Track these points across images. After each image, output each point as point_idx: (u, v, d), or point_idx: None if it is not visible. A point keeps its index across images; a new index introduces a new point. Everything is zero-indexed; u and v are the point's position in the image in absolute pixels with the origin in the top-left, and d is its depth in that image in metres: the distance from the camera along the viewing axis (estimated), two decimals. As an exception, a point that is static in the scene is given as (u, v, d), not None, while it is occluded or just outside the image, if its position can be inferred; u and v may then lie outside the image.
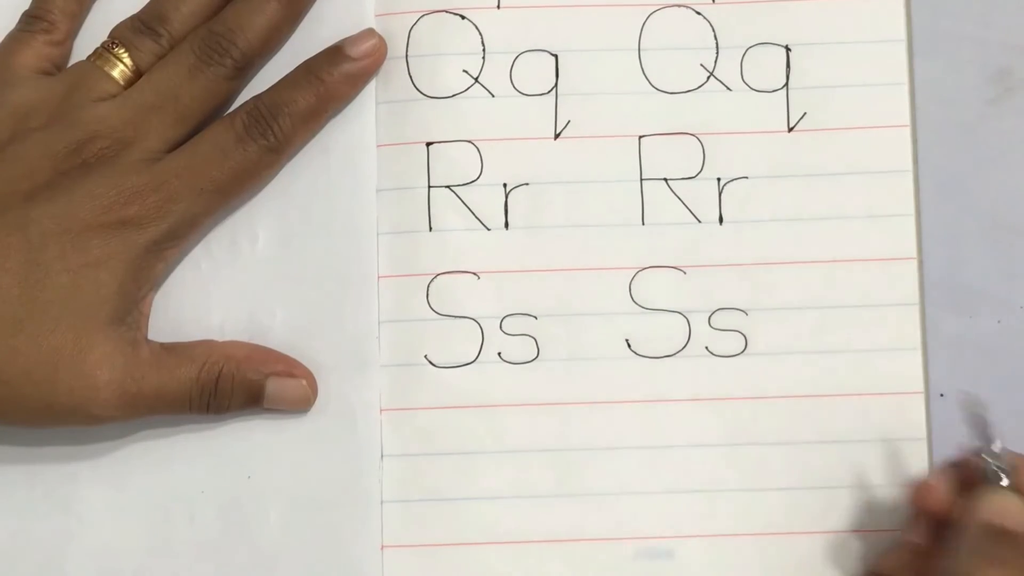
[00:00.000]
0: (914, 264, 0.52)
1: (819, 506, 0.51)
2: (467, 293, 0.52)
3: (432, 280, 0.52)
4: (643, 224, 0.52)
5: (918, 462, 0.51)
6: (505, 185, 0.52)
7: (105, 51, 0.51)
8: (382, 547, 0.51)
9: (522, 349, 0.52)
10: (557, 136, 0.52)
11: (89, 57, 0.51)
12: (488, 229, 0.52)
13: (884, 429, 0.51)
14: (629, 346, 0.52)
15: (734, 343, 0.52)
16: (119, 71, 0.50)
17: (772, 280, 0.52)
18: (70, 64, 0.52)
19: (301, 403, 0.51)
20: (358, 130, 0.52)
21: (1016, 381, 0.52)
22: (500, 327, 0.52)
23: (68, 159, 0.49)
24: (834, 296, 0.52)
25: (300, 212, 0.52)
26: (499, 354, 0.52)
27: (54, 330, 0.47)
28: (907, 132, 0.52)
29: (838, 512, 0.51)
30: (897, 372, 0.52)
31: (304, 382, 0.51)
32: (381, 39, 0.52)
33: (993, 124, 0.53)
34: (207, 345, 0.50)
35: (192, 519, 0.51)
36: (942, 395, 0.51)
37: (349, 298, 0.52)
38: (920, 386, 0.52)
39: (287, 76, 0.51)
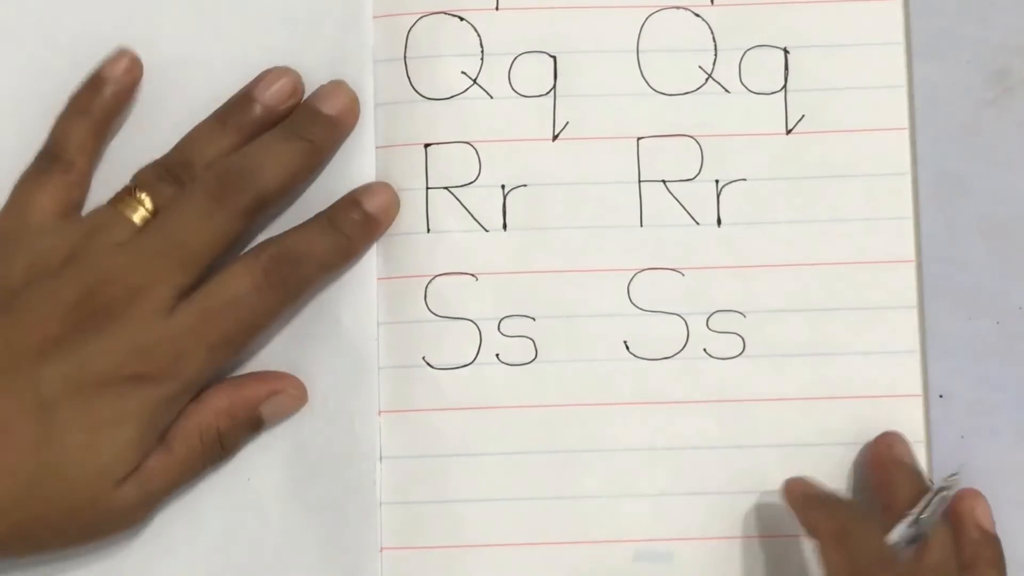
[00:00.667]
0: (912, 267, 0.52)
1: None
2: (465, 294, 0.52)
3: (430, 282, 0.52)
4: (641, 226, 0.52)
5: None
6: (503, 186, 0.52)
7: (127, 195, 0.49)
8: (381, 549, 0.51)
9: (520, 350, 0.52)
10: (555, 137, 0.52)
11: (110, 201, 0.50)
12: (486, 230, 0.52)
13: (882, 432, 0.51)
14: (627, 348, 0.52)
15: (732, 345, 0.52)
16: (139, 215, 0.49)
17: (770, 282, 0.52)
18: (89, 202, 0.51)
19: (298, 406, 0.51)
20: (356, 132, 0.52)
21: (1016, 381, 0.52)
22: (498, 328, 0.52)
23: (78, 308, 0.47)
24: (832, 299, 0.52)
25: (298, 214, 0.52)
26: (497, 355, 0.52)
27: (72, 490, 0.47)
28: (905, 135, 0.52)
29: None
30: (895, 375, 0.52)
31: (292, 391, 0.51)
32: (395, 195, 0.52)
33: (992, 124, 0.53)
34: (193, 415, 0.49)
35: (192, 521, 0.51)
36: (941, 396, 0.52)
37: (347, 300, 0.52)
38: (918, 389, 0.52)
39: (309, 223, 0.50)
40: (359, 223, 0.51)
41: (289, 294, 0.49)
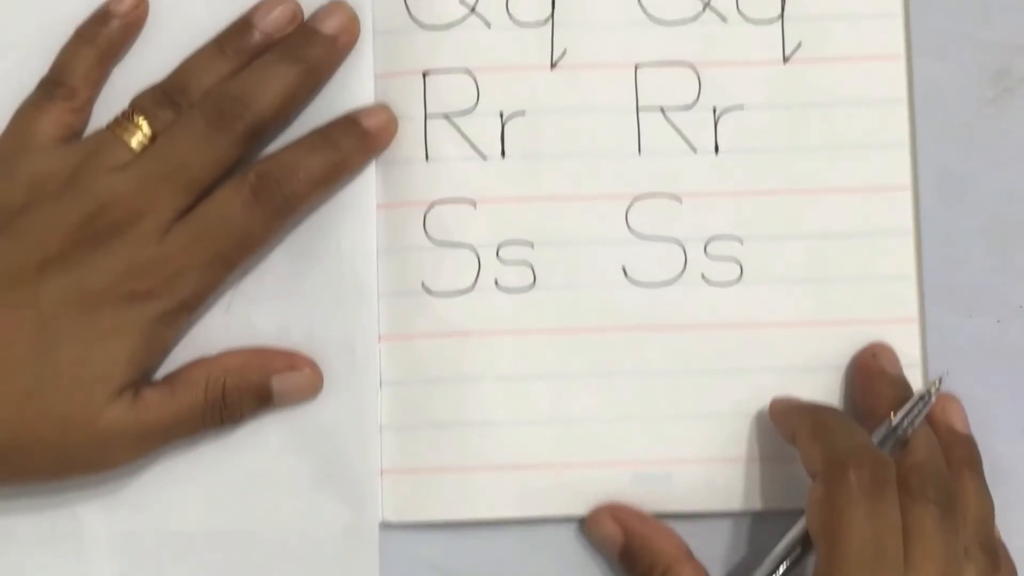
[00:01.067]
0: (909, 194, 0.52)
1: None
2: (464, 221, 0.52)
3: (429, 209, 0.52)
4: (639, 153, 0.52)
5: (913, 388, 0.52)
6: (502, 114, 0.52)
7: (124, 120, 0.50)
8: (381, 472, 0.51)
9: (519, 277, 0.52)
10: (553, 66, 0.52)
11: (108, 125, 0.50)
12: (485, 158, 0.52)
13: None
14: (625, 274, 0.52)
15: (729, 271, 0.52)
16: (137, 140, 0.49)
17: (767, 209, 0.52)
18: (89, 128, 0.52)
19: (309, 392, 0.51)
20: (354, 60, 0.52)
21: (1016, 380, 0.52)
22: (497, 255, 0.52)
23: (79, 230, 0.48)
24: (829, 225, 0.52)
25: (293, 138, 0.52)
26: (496, 282, 0.52)
27: (66, 400, 0.47)
28: (902, 63, 0.53)
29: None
30: (891, 299, 0.52)
31: (307, 370, 0.51)
32: (393, 115, 0.52)
33: (992, 124, 0.53)
34: (203, 364, 0.50)
35: (189, 446, 0.51)
36: None
37: (346, 227, 0.52)
38: (914, 313, 0.52)
39: (300, 140, 0.50)
40: (355, 139, 0.51)
41: (280, 211, 0.49)
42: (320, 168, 0.50)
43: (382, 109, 0.52)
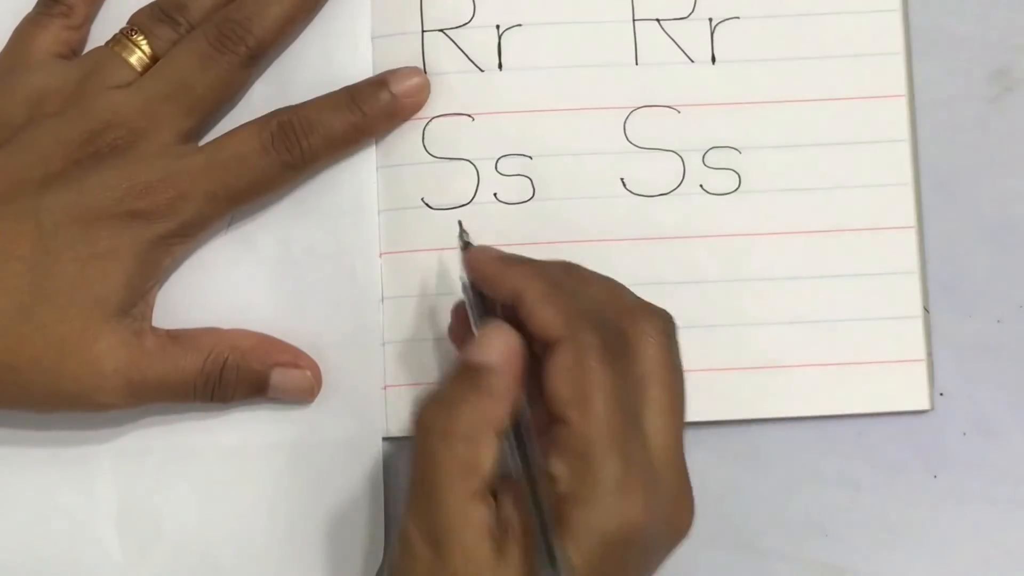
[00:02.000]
0: (904, 101, 0.53)
1: (813, 339, 0.52)
2: (462, 135, 0.52)
3: (427, 123, 0.52)
4: (636, 64, 0.52)
5: (910, 296, 0.52)
6: (498, 27, 0.52)
7: (123, 37, 0.50)
8: (384, 387, 0.52)
9: (518, 189, 0.52)
10: (549, -23, 0.53)
11: (107, 43, 0.50)
12: (482, 71, 0.52)
13: (876, 263, 0.52)
14: (624, 185, 0.52)
15: (728, 181, 0.52)
16: (136, 58, 0.50)
17: (765, 119, 0.52)
18: (87, 49, 0.52)
19: (306, 394, 0.51)
20: (350, -24, 0.53)
21: (1016, 380, 0.52)
22: (495, 168, 0.52)
23: (82, 148, 0.48)
24: (826, 132, 0.52)
25: (294, 59, 0.52)
26: (495, 195, 0.52)
27: (61, 319, 0.47)
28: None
29: (832, 344, 0.52)
30: (889, 207, 0.52)
31: (308, 373, 0.51)
32: (426, 80, 0.52)
33: (992, 124, 0.53)
34: (213, 334, 0.50)
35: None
36: (941, 394, 0.52)
37: (346, 144, 0.52)
38: (912, 220, 0.52)
39: (327, 96, 0.50)
40: (381, 103, 0.51)
41: (295, 162, 0.50)
42: (341, 128, 0.50)
43: (415, 72, 0.52)
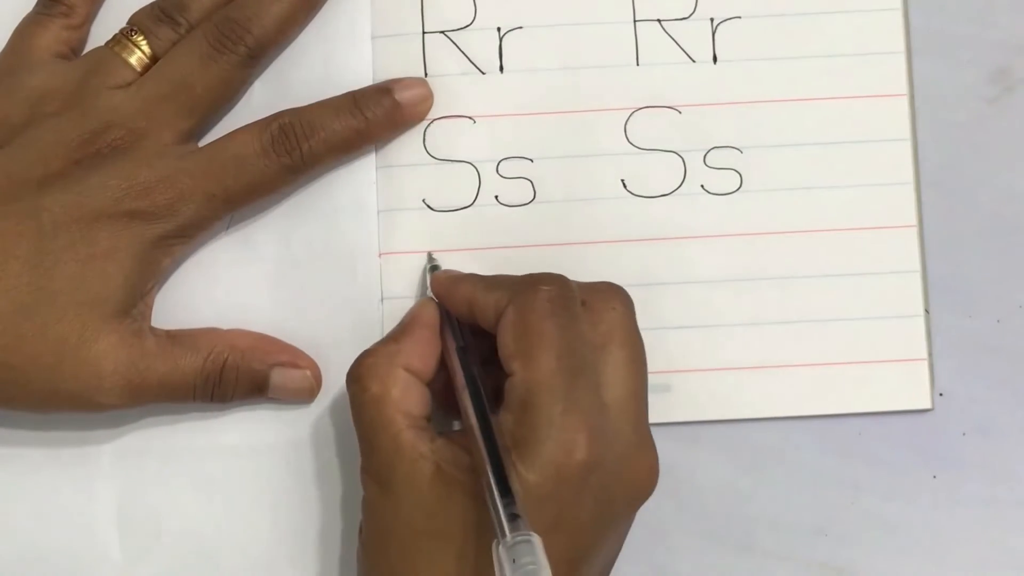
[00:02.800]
0: (905, 100, 0.53)
1: (814, 338, 0.52)
2: (463, 137, 0.52)
3: (428, 125, 0.52)
4: (637, 65, 0.52)
5: (911, 295, 0.52)
6: (499, 29, 0.53)
7: (123, 37, 0.50)
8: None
9: (519, 192, 0.52)
10: (550, -21, 0.53)
11: (107, 43, 0.50)
12: (483, 73, 0.52)
13: (877, 262, 0.52)
14: (625, 186, 0.52)
15: (729, 181, 0.52)
16: (136, 58, 0.50)
17: (766, 118, 0.52)
18: (87, 49, 0.52)
19: (305, 394, 0.51)
20: (352, -23, 0.53)
21: (1016, 380, 0.53)
22: (496, 170, 0.52)
23: (82, 148, 0.48)
24: (827, 132, 0.52)
25: (294, 60, 0.52)
26: (496, 197, 0.52)
27: (60, 319, 0.47)
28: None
29: (833, 344, 0.52)
30: (890, 206, 0.52)
31: (308, 373, 0.51)
32: (430, 91, 0.52)
33: (992, 124, 0.53)
34: (212, 334, 0.50)
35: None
36: (941, 394, 0.52)
37: (346, 144, 0.52)
38: (913, 219, 0.52)
39: (329, 100, 0.51)
40: (384, 110, 0.51)
41: (295, 165, 0.50)
42: (342, 133, 0.50)
43: (419, 83, 0.52)
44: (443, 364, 0.48)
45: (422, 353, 0.47)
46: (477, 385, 0.46)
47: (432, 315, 0.49)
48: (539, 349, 0.44)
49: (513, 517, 0.41)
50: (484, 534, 0.43)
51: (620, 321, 0.46)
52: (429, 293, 0.50)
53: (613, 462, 0.44)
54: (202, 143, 0.51)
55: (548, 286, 0.46)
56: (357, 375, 0.47)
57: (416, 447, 0.45)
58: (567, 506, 0.43)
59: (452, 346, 0.47)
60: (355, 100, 0.50)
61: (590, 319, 0.46)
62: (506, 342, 0.45)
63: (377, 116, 0.50)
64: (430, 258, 0.51)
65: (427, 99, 0.52)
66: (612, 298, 0.47)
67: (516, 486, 0.42)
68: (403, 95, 0.51)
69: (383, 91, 0.51)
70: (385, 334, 0.51)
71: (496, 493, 0.42)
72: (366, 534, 0.46)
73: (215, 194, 0.49)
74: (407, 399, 0.46)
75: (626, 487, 0.45)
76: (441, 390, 0.48)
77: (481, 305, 0.47)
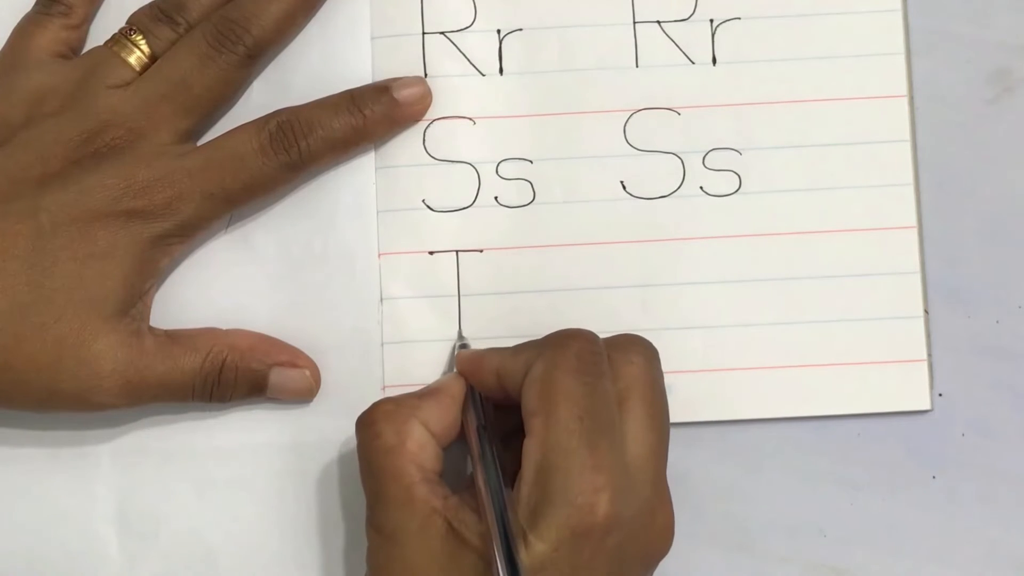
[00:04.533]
0: (905, 100, 0.53)
1: (814, 339, 0.52)
2: (463, 138, 0.52)
3: (428, 126, 0.52)
4: (637, 66, 0.52)
5: (911, 296, 0.52)
6: (499, 31, 0.53)
7: (122, 37, 0.50)
8: (383, 388, 0.52)
9: (518, 193, 0.52)
10: (550, -19, 0.53)
11: (106, 43, 0.50)
12: (483, 75, 0.52)
13: (877, 263, 0.52)
14: (624, 187, 0.52)
15: (728, 183, 0.52)
16: (135, 58, 0.50)
17: (765, 120, 0.52)
18: (86, 48, 0.52)
19: (304, 393, 0.51)
20: (351, -20, 0.53)
21: (1015, 381, 0.52)
22: (496, 171, 0.52)
23: (80, 148, 0.48)
24: (827, 134, 0.52)
25: (294, 60, 0.52)
26: (496, 198, 0.52)
27: (59, 319, 0.47)
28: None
29: (832, 345, 0.52)
30: (890, 207, 0.52)
31: (307, 372, 0.51)
32: (428, 89, 0.52)
33: (992, 124, 0.53)
34: (211, 334, 0.50)
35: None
36: (941, 395, 0.52)
37: (346, 145, 0.52)
38: (913, 222, 0.52)
39: (328, 98, 0.51)
40: (382, 107, 0.51)
41: (293, 163, 0.50)
42: (340, 131, 0.50)
43: (418, 81, 0.52)
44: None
45: (441, 417, 0.47)
46: (494, 461, 0.45)
47: (458, 389, 0.48)
48: (562, 407, 0.44)
49: None
50: None
51: (639, 375, 0.46)
52: (455, 371, 0.49)
53: (630, 521, 0.44)
54: (201, 143, 0.51)
55: (577, 343, 0.45)
56: (371, 420, 0.46)
57: (429, 501, 0.44)
58: (580, 569, 0.43)
59: (473, 423, 0.47)
60: (353, 98, 0.50)
61: (612, 374, 0.45)
62: (529, 399, 0.45)
63: (375, 114, 0.50)
64: (460, 337, 0.51)
65: (425, 97, 0.52)
66: (631, 350, 0.46)
67: (523, 560, 0.42)
68: (401, 93, 0.51)
69: (381, 89, 0.51)
70: (384, 335, 0.51)
71: (503, 570, 0.42)
72: None
73: (213, 193, 0.49)
74: (422, 453, 0.45)
75: (642, 547, 0.45)
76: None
77: (509, 370, 0.46)
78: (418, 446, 0.45)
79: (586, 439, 0.43)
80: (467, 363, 0.49)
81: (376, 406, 0.46)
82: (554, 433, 0.44)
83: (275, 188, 0.50)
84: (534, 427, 0.44)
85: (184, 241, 0.49)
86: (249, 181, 0.49)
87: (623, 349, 0.46)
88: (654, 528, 0.45)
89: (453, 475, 0.48)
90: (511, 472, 0.45)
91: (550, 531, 0.43)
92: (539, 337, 0.47)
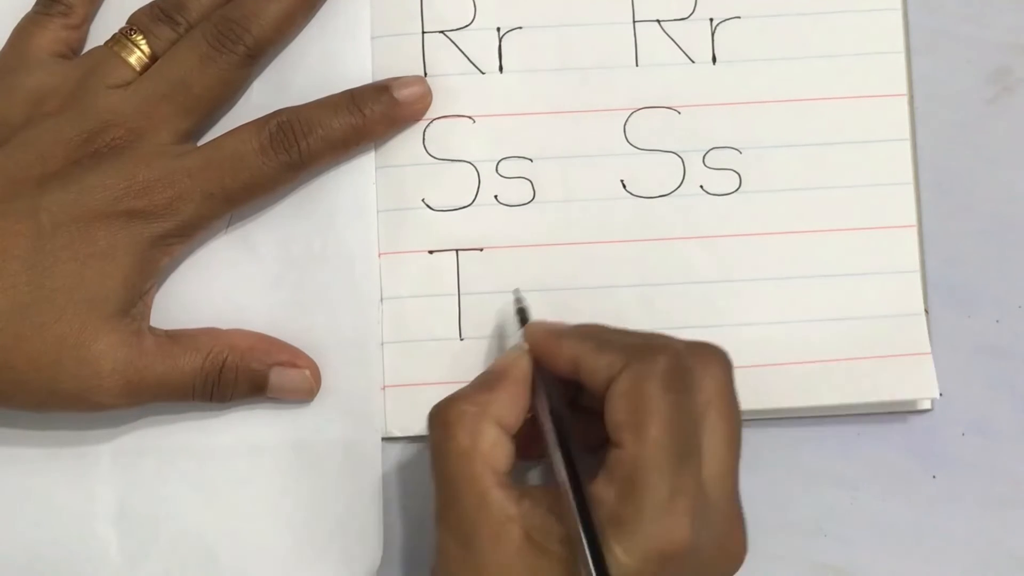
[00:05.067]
0: (904, 100, 0.53)
1: (814, 337, 0.52)
2: (463, 137, 0.52)
3: (428, 125, 0.52)
4: (637, 65, 0.53)
5: (911, 294, 0.52)
6: (499, 29, 0.53)
7: (123, 37, 0.50)
8: (383, 387, 0.52)
9: (518, 191, 0.52)
10: (549, -21, 0.53)
11: (106, 43, 0.50)
12: (483, 73, 0.52)
13: (878, 262, 0.52)
14: (624, 186, 0.52)
15: (728, 181, 0.52)
16: (136, 57, 0.50)
17: (765, 119, 0.52)
18: (87, 48, 0.52)
19: (304, 393, 0.51)
20: (350, -18, 0.53)
21: (1015, 380, 0.53)
22: (496, 170, 0.52)
23: (81, 147, 0.48)
24: (827, 133, 0.52)
25: (294, 59, 0.52)
26: (496, 197, 0.52)
27: (59, 319, 0.47)
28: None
29: (832, 342, 0.52)
30: (889, 206, 0.52)
31: (307, 372, 0.51)
32: (428, 89, 0.52)
33: (992, 124, 0.53)
34: (211, 334, 0.50)
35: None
36: (941, 394, 0.52)
37: (345, 144, 0.52)
38: (912, 219, 0.52)
39: (327, 98, 0.51)
40: (382, 107, 0.51)
41: (293, 162, 0.49)
42: (340, 130, 0.50)
43: (418, 81, 0.52)
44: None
45: (513, 408, 0.46)
46: (571, 454, 0.44)
47: (525, 370, 0.47)
48: (652, 425, 0.43)
49: None
50: None
51: (719, 389, 0.45)
52: (520, 341, 0.48)
53: (708, 542, 0.44)
54: (201, 143, 0.51)
55: (665, 356, 0.44)
56: (445, 421, 0.45)
57: (504, 509, 0.44)
58: None
59: (544, 405, 0.46)
60: (353, 97, 0.50)
61: (693, 386, 0.45)
62: (617, 412, 0.44)
63: (375, 113, 0.50)
64: (518, 298, 0.50)
65: (425, 97, 0.52)
66: (711, 362, 0.45)
67: (614, 571, 0.42)
68: (401, 92, 0.51)
69: (381, 89, 0.51)
70: (384, 335, 0.51)
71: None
72: None
73: (213, 193, 0.49)
74: (495, 455, 0.45)
75: (718, 566, 0.45)
76: (521, 441, 0.46)
77: (590, 367, 0.45)
78: (491, 446, 0.45)
79: (675, 460, 0.43)
80: (540, 343, 0.47)
81: (448, 406, 0.45)
82: (644, 450, 0.43)
83: (275, 188, 0.50)
84: (624, 441, 0.44)
85: (184, 241, 0.49)
86: (249, 181, 0.49)
87: (703, 360, 0.45)
88: (730, 546, 0.45)
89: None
90: (586, 464, 0.44)
91: (637, 548, 0.42)
92: (616, 328, 0.47)
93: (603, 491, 0.43)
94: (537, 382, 0.47)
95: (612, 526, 0.43)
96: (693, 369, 0.45)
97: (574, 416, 0.46)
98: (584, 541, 0.42)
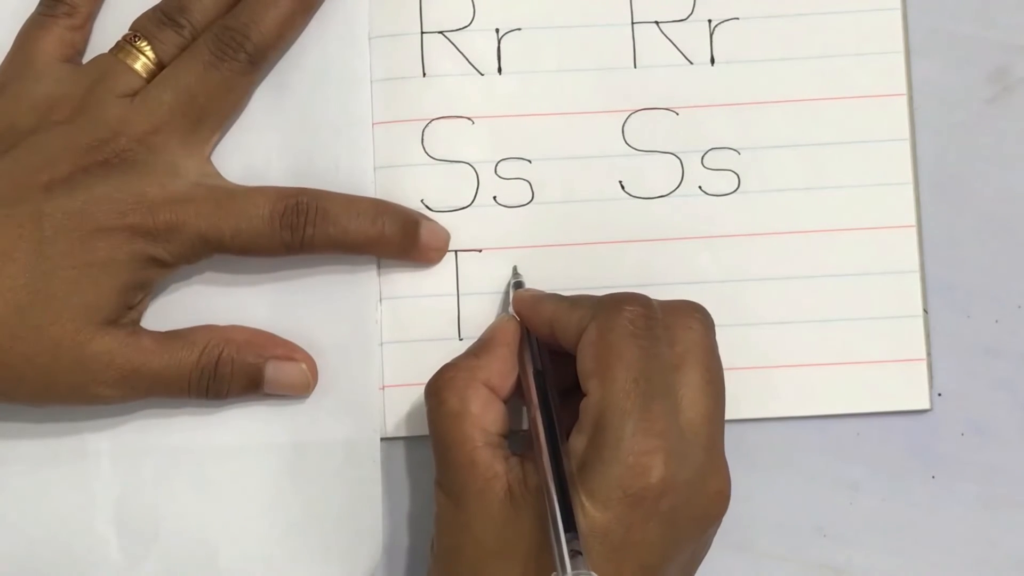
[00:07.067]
0: (904, 100, 0.53)
1: (813, 339, 0.52)
2: (462, 138, 0.52)
3: (427, 125, 0.52)
4: (635, 67, 0.53)
5: (910, 295, 0.52)
6: (498, 30, 0.53)
7: (127, 44, 0.50)
8: (382, 387, 0.52)
9: (517, 193, 0.52)
10: (548, -19, 0.53)
11: (111, 50, 0.50)
12: (482, 74, 0.53)
13: (876, 262, 0.52)
14: (623, 187, 0.52)
15: (727, 182, 0.52)
16: (141, 64, 0.50)
17: (764, 119, 0.52)
18: (90, 49, 0.52)
19: (301, 387, 0.51)
20: (349, -20, 0.53)
21: (1015, 380, 0.53)
22: (495, 171, 0.52)
23: (89, 154, 0.48)
24: (826, 133, 0.52)
25: (293, 60, 0.52)
26: (494, 198, 0.52)
27: (55, 322, 0.47)
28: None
29: (832, 344, 0.52)
30: (888, 207, 0.52)
31: (304, 366, 0.51)
32: (447, 245, 0.52)
33: (992, 124, 0.53)
34: (207, 330, 0.50)
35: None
36: (940, 395, 0.52)
37: (344, 145, 0.52)
38: (912, 220, 0.52)
39: (355, 198, 0.50)
40: (402, 235, 0.50)
41: (292, 245, 0.49)
42: (352, 235, 0.50)
43: (446, 235, 0.52)
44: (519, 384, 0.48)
45: (501, 370, 0.48)
46: (550, 409, 0.46)
47: (513, 333, 0.49)
48: (617, 369, 0.44)
49: (575, 554, 0.41)
50: (550, 557, 0.42)
51: (697, 340, 0.46)
52: (510, 309, 0.50)
53: (684, 485, 0.44)
54: (213, 152, 0.51)
55: (632, 306, 0.46)
56: (436, 388, 0.47)
57: (491, 466, 0.45)
58: (634, 529, 0.43)
59: (530, 369, 0.48)
60: (379, 211, 0.50)
61: (668, 338, 0.46)
62: (585, 360, 0.45)
63: (393, 237, 0.50)
64: (515, 273, 0.51)
65: (442, 252, 0.52)
66: (689, 317, 0.47)
67: (581, 519, 0.43)
68: (426, 236, 0.51)
69: (410, 220, 0.51)
70: (383, 335, 0.51)
71: (560, 526, 0.42)
72: (437, 550, 0.46)
73: (210, 239, 0.49)
74: (485, 416, 0.46)
75: (695, 510, 0.45)
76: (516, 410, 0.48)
77: (563, 324, 0.47)
78: (481, 408, 0.46)
79: (640, 402, 0.44)
80: (524, 306, 0.49)
81: (440, 374, 0.47)
82: (609, 394, 0.44)
83: (267, 256, 0.50)
84: (590, 388, 0.45)
85: (182, 263, 0.49)
86: (247, 243, 0.49)
87: (681, 314, 0.47)
88: (707, 492, 0.45)
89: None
90: (568, 426, 0.46)
91: (602, 491, 0.43)
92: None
93: (575, 442, 0.45)
94: (522, 343, 0.48)
95: (581, 473, 0.44)
96: (667, 321, 0.46)
97: (572, 393, 0.46)
98: (553, 491, 0.43)
